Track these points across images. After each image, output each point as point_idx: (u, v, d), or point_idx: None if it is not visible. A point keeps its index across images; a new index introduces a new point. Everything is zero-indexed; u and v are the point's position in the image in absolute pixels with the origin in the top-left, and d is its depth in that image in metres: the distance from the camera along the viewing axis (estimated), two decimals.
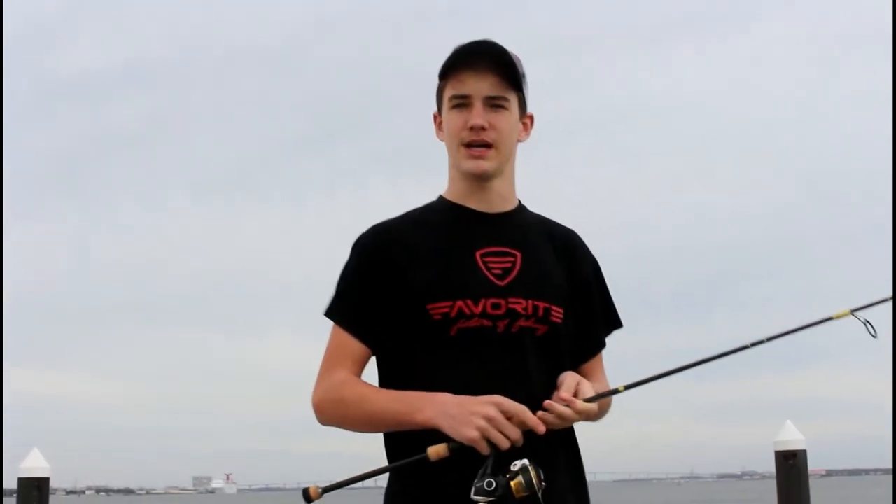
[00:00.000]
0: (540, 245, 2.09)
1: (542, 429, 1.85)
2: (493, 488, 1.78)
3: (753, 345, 2.04)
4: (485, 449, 1.81)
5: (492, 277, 1.99)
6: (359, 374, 2.02)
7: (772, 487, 8.10)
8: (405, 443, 1.93)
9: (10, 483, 8.29)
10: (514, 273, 2.01)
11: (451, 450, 1.83)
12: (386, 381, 2.04)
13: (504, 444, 1.82)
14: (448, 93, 2.05)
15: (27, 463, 7.94)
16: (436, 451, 1.84)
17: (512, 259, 2.03)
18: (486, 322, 1.95)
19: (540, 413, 1.86)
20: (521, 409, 1.84)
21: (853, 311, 2.11)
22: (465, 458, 1.83)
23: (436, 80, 2.10)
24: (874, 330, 2.12)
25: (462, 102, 2.03)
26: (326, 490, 1.85)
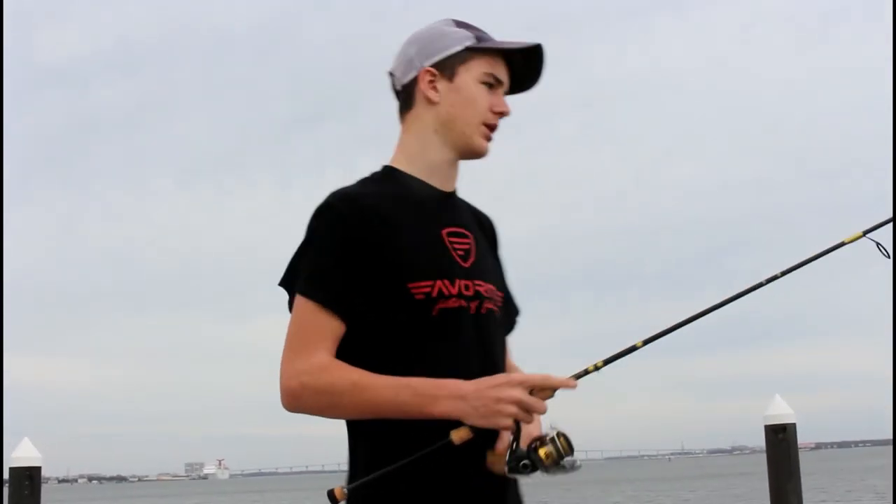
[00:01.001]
0: (477, 228, 2.08)
1: (574, 383, 1.82)
2: (529, 469, 1.78)
3: (769, 281, 2.00)
4: (512, 428, 1.79)
5: (458, 258, 1.97)
6: (335, 355, 1.90)
7: (762, 461, 8.16)
8: (383, 429, 1.87)
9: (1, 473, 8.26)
10: (473, 254, 1.99)
11: (473, 431, 1.79)
12: (355, 358, 1.91)
13: (532, 421, 1.80)
14: (484, 67, 2.00)
15: (18, 452, 7.93)
16: (459, 435, 1.78)
17: (469, 240, 2.01)
18: (462, 303, 1.92)
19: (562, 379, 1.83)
20: (544, 379, 1.81)
21: (865, 233, 2.08)
22: (459, 448, 1.80)
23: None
24: (887, 251, 2.09)
25: (494, 85, 2.01)
26: (351, 490, 1.80)
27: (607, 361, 1.86)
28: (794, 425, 7.89)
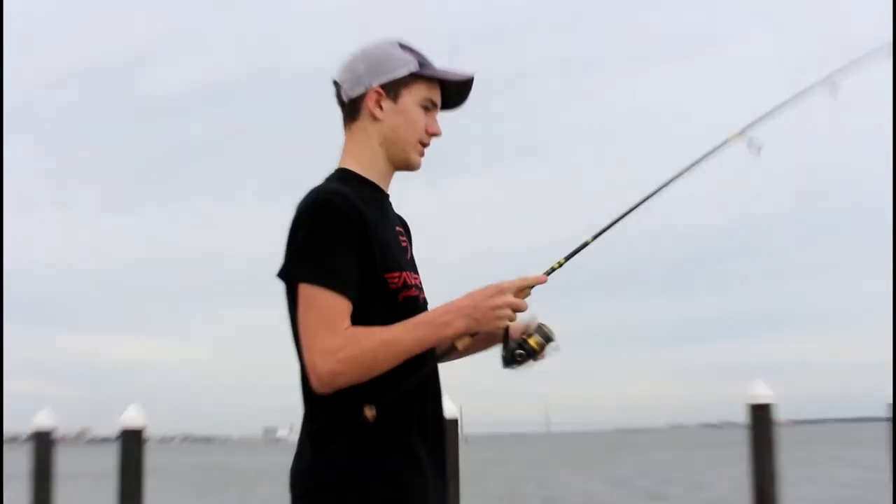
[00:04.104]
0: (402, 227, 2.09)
1: (545, 278, 1.86)
2: (524, 357, 1.82)
3: (666, 184, 2.04)
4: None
5: (406, 253, 1.99)
6: None
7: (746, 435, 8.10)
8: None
9: (114, 432, 8.42)
10: (409, 251, 2.02)
11: (472, 336, 1.82)
12: None
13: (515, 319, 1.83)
14: (424, 92, 1.98)
15: (126, 416, 8.09)
16: (463, 343, 1.82)
17: (405, 239, 2.03)
18: (418, 292, 1.94)
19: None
20: (522, 280, 1.84)
21: (741, 131, 2.09)
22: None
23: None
24: (758, 148, 2.08)
25: (430, 108, 1.99)
26: (380, 406, 1.79)
27: (567, 258, 1.92)
28: (772, 405, 7.83)
